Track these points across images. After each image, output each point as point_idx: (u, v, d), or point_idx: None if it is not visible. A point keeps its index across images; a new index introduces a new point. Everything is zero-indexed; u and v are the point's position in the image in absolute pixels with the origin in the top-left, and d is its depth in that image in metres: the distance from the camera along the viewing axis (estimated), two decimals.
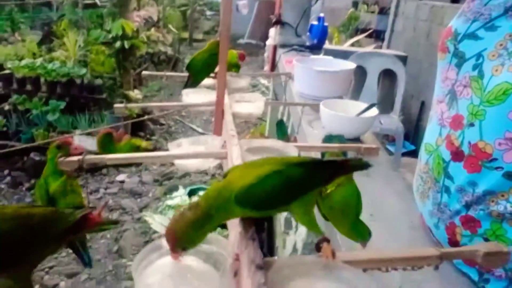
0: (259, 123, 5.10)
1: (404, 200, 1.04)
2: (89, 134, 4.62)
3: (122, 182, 4.12)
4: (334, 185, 0.71)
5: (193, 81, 1.31)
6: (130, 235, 3.20)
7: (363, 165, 0.66)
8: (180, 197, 3.26)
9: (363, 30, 7.55)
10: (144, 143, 1.07)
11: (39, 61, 4.99)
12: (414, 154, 4.97)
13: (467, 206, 0.75)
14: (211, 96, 1.10)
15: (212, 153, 0.70)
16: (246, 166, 0.62)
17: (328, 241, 0.60)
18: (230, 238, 0.65)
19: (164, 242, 0.57)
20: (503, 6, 0.73)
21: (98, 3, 6.32)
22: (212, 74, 1.42)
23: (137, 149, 1.04)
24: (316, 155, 0.82)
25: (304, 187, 0.61)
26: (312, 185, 0.62)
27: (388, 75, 3.67)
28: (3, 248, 0.51)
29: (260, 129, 4.64)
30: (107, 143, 1.01)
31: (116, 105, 1.03)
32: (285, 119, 2.76)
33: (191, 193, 3.35)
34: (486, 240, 0.72)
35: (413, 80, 5.12)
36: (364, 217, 0.98)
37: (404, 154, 3.69)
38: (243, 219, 0.61)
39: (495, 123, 0.69)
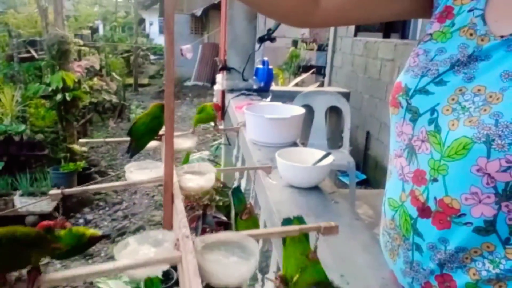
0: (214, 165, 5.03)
1: (371, 254, 1.03)
2: (31, 194, 4.31)
3: None
4: (298, 270, 0.67)
5: (136, 146, 1.24)
6: None
7: None
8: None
9: (305, 68, 7.84)
10: (90, 231, 0.90)
11: None
12: (366, 183, 5.11)
13: (441, 264, 0.72)
14: (157, 171, 1.04)
15: (164, 259, 0.64)
16: None
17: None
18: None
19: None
20: (449, 61, 0.74)
21: (36, 56, 6.09)
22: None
23: (82, 238, 0.88)
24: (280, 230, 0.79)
25: None
26: None
27: (334, 111, 3.79)
28: None
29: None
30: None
31: (50, 192, 0.93)
32: (239, 164, 2.73)
33: None
34: None
35: (357, 112, 5.34)
36: (335, 279, 0.95)
37: (356, 184, 3.77)
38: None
39: (459, 178, 0.68)
